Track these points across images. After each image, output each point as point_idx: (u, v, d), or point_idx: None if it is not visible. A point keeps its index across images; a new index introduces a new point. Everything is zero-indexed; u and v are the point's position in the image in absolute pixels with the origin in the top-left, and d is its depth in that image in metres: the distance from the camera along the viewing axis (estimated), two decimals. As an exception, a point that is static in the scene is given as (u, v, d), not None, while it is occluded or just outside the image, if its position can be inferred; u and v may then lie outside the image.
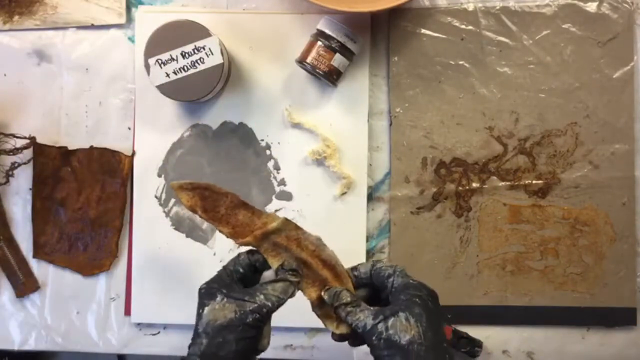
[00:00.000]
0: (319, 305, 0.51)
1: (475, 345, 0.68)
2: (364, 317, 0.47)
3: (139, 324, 0.72)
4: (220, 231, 0.53)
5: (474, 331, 0.69)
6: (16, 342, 0.72)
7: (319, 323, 0.69)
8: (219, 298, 0.48)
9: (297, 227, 0.52)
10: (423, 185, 0.70)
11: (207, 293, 0.49)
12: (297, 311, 0.69)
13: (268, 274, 0.54)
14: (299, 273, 0.51)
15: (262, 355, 0.70)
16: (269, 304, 0.48)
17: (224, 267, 0.52)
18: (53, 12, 0.72)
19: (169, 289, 0.70)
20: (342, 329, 0.51)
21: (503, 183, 0.69)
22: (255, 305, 0.47)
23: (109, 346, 0.72)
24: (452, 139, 0.69)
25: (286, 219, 0.52)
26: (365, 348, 0.69)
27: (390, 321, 0.45)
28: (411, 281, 0.49)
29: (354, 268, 0.52)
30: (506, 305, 0.69)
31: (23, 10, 0.72)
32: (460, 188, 0.69)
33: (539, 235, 0.69)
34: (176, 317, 0.71)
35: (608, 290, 0.69)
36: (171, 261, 0.71)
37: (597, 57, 0.69)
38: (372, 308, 0.48)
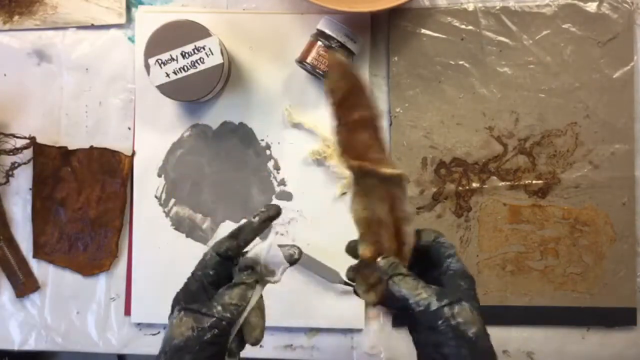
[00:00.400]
0: (364, 266, 0.47)
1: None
2: (427, 295, 0.43)
3: (139, 324, 0.72)
4: (334, 133, 0.44)
5: (474, 331, 0.69)
6: (16, 342, 0.72)
7: (318, 323, 0.69)
8: (176, 312, 0.44)
9: (404, 190, 0.46)
10: (423, 185, 0.70)
11: (172, 306, 0.46)
12: (297, 311, 0.69)
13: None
14: (255, 271, 0.46)
15: (262, 355, 0.71)
16: (228, 314, 0.43)
17: (192, 273, 0.47)
18: (53, 12, 0.72)
19: (169, 289, 0.69)
20: (371, 297, 0.47)
21: (503, 183, 0.69)
22: (213, 319, 0.43)
23: (109, 346, 0.72)
24: (452, 139, 0.69)
25: (404, 175, 0.46)
26: (366, 347, 0.70)
27: (457, 308, 0.42)
28: (466, 271, 0.46)
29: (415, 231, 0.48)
30: (506, 305, 0.69)
31: (23, 10, 0.72)
32: (460, 188, 0.69)
33: (539, 235, 0.69)
34: (176, 317, 0.70)
35: (608, 290, 0.69)
36: (171, 261, 0.70)
37: (597, 57, 0.69)
38: (432, 286, 0.44)
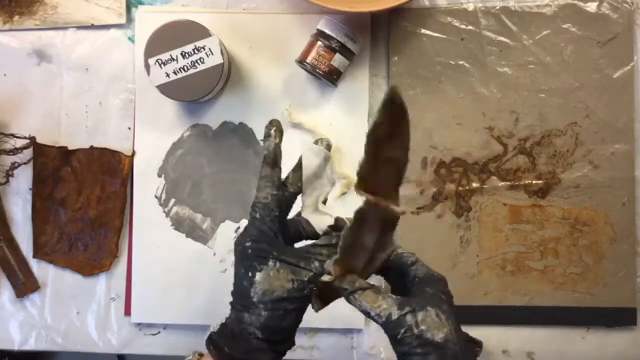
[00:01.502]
0: (325, 283, 0.46)
1: (475, 345, 0.68)
2: (388, 305, 0.42)
3: (139, 324, 0.72)
4: (359, 164, 0.43)
5: (474, 331, 0.68)
6: (16, 342, 0.72)
7: (319, 323, 0.69)
8: (271, 263, 0.44)
9: (394, 227, 0.46)
10: (423, 185, 0.70)
11: (256, 255, 0.45)
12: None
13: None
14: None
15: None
16: (322, 270, 0.45)
17: (259, 219, 0.46)
18: (53, 12, 0.72)
19: (169, 289, 0.70)
20: (317, 304, 0.46)
21: (503, 183, 0.69)
22: (311, 274, 0.44)
23: (109, 346, 0.72)
24: (452, 139, 0.69)
25: (400, 215, 0.45)
26: (366, 347, 0.70)
27: (420, 315, 0.41)
28: (435, 274, 0.46)
29: None
30: (506, 305, 0.69)
31: (23, 10, 0.72)
32: (460, 188, 0.69)
33: (539, 235, 0.69)
34: (176, 317, 0.71)
35: (608, 290, 0.69)
36: (171, 261, 0.70)
37: (597, 57, 0.69)
38: (394, 296, 0.43)
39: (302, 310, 0.46)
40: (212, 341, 0.46)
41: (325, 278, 0.45)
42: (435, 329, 0.41)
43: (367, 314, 0.43)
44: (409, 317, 0.41)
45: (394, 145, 0.44)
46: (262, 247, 0.45)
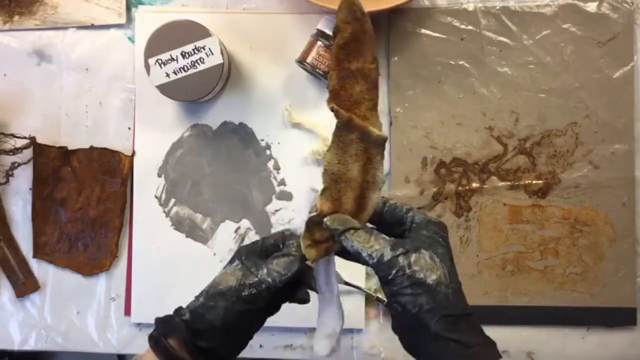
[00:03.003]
0: (315, 221, 0.44)
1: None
2: (380, 246, 0.41)
3: (139, 324, 0.72)
4: (329, 77, 0.43)
5: (474, 331, 0.69)
6: (16, 342, 0.72)
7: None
8: (236, 262, 0.48)
9: (382, 154, 0.44)
10: (423, 185, 0.70)
11: (234, 255, 0.49)
12: (297, 311, 0.69)
13: None
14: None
15: (263, 355, 0.71)
16: (269, 280, 0.45)
17: (266, 237, 0.51)
18: (53, 12, 0.72)
19: (169, 289, 0.70)
20: (311, 254, 0.45)
21: (503, 183, 0.69)
22: (255, 279, 0.46)
23: (109, 346, 0.72)
24: (452, 139, 0.69)
25: (385, 140, 0.44)
26: (366, 347, 0.70)
27: (413, 257, 0.41)
28: (433, 219, 0.45)
29: None
30: (506, 305, 0.69)
31: (23, 10, 0.72)
32: (460, 188, 0.69)
33: (539, 235, 0.69)
34: (176, 317, 0.71)
35: (608, 290, 0.69)
36: (171, 261, 0.71)
37: (597, 57, 0.69)
38: (387, 237, 0.42)
39: (236, 314, 0.45)
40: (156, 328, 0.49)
41: (312, 212, 0.45)
42: (428, 270, 0.41)
43: (358, 254, 0.42)
44: (401, 259, 0.41)
45: (359, 53, 0.43)
46: (241, 250, 0.49)
